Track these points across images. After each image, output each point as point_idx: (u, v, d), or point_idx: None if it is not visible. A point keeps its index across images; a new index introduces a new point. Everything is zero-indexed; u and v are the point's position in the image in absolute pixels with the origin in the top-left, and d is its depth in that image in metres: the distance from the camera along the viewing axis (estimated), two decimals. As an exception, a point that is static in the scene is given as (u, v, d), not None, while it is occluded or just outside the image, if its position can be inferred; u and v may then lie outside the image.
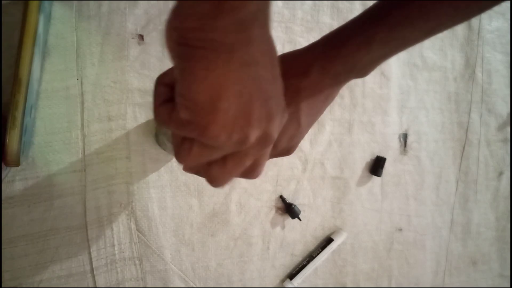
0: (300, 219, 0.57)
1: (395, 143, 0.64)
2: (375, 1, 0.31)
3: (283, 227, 0.57)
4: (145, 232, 0.50)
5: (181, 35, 0.18)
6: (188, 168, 0.26)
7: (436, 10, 0.28)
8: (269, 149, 0.24)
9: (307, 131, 0.34)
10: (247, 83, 0.19)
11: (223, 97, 0.19)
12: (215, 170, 0.24)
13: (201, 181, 0.52)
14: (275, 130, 0.22)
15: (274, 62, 0.21)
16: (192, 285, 0.53)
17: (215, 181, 0.25)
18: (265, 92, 0.20)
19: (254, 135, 0.21)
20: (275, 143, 0.31)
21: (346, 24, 0.31)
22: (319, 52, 0.31)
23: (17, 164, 0.37)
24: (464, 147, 0.69)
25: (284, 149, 0.33)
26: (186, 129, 0.21)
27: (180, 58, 0.19)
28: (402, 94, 0.64)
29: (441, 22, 0.29)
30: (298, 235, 0.58)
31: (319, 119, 0.58)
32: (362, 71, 0.32)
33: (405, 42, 0.30)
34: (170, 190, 0.51)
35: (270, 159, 0.54)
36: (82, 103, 0.46)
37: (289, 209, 0.56)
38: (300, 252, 0.59)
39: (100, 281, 0.48)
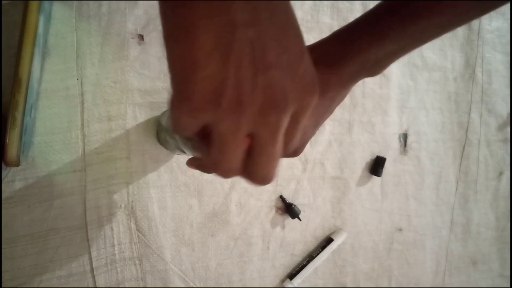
0: (300, 219, 0.57)
1: (395, 143, 0.64)
2: (378, 0, 0.30)
3: (283, 227, 0.57)
4: (145, 232, 0.50)
5: None
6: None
7: (454, 2, 0.26)
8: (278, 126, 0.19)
9: (314, 132, 0.33)
10: (236, 46, 0.16)
11: (202, 60, 0.16)
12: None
13: (201, 181, 0.52)
14: (281, 103, 0.18)
15: (288, 30, 0.18)
16: (192, 285, 0.53)
17: (224, 175, 0.22)
18: (266, 60, 0.17)
19: (250, 105, 0.17)
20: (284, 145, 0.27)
21: (357, 20, 0.30)
22: (326, 51, 0.30)
23: (17, 164, 0.37)
24: (464, 147, 0.69)
25: (291, 153, 0.31)
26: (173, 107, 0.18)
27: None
28: (402, 94, 0.64)
29: (458, 15, 0.27)
30: (298, 235, 0.58)
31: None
32: (372, 70, 0.31)
33: (419, 38, 0.29)
34: (170, 190, 0.51)
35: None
36: (82, 103, 0.46)
37: (289, 209, 0.56)
38: (300, 252, 0.59)
39: (100, 281, 0.48)
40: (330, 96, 0.31)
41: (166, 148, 0.48)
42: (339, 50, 0.29)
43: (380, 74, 0.63)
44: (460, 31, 0.67)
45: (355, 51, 0.29)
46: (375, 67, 0.30)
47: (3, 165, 0.38)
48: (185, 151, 0.37)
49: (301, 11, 0.56)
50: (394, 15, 0.28)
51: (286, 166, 0.57)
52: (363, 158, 0.62)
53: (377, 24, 0.28)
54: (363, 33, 0.29)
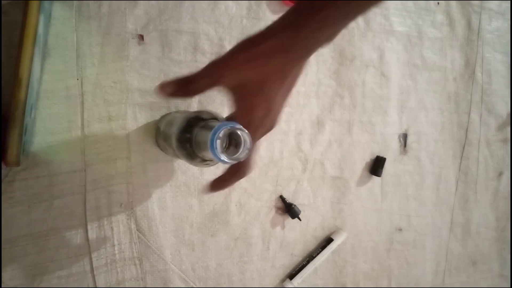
0: (300, 219, 0.57)
1: (395, 143, 0.64)
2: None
3: (283, 227, 0.57)
4: (145, 232, 0.50)
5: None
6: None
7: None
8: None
9: (282, 108, 0.36)
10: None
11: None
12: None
13: (201, 181, 0.52)
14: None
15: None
16: (192, 285, 0.53)
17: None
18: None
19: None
20: (257, 126, 0.34)
21: (300, 4, 0.31)
22: (278, 39, 0.31)
23: (17, 164, 0.37)
24: (464, 147, 0.69)
25: (266, 130, 0.36)
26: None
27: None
28: (402, 94, 0.64)
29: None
30: (298, 235, 0.58)
31: (319, 119, 0.58)
32: (324, 45, 0.33)
33: (358, 12, 0.31)
34: (170, 190, 0.51)
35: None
36: (82, 103, 0.46)
37: (289, 209, 0.56)
38: (300, 252, 0.59)
39: (100, 281, 0.48)
40: (290, 78, 0.34)
41: (165, 153, 0.49)
42: (291, 38, 0.31)
43: (380, 75, 0.63)
44: (460, 31, 0.67)
45: (305, 37, 0.31)
46: (327, 42, 0.33)
47: (3, 165, 0.38)
48: (181, 158, 0.38)
49: (301, 11, 0.56)
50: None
51: (286, 166, 0.57)
52: (363, 158, 0.62)
53: (323, 7, 0.30)
54: (310, 19, 0.30)
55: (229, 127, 0.31)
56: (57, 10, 0.45)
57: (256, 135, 0.35)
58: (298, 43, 0.31)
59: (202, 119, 0.36)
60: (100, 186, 0.47)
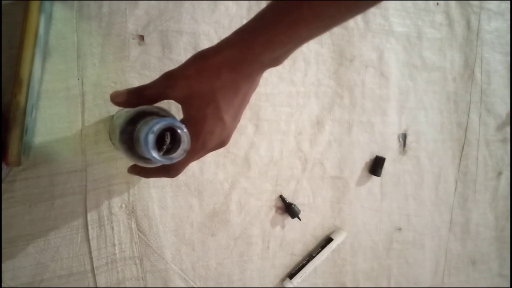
0: (299, 219, 0.57)
1: (394, 143, 0.64)
2: (270, 1, 0.32)
3: (283, 227, 0.58)
4: (146, 231, 0.50)
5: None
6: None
7: (326, 10, 0.29)
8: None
9: (235, 124, 0.36)
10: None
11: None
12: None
13: (201, 180, 0.52)
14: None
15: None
16: (192, 284, 0.53)
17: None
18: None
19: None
20: (206, 139, 0.34)
21: (248, 25, 0.32)
22: (227, 54, 0.32)
23: (18, 164, 0.38)
24: (463, 147, 0.69)
25: (217, 145, 0.36)
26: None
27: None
28: (401, 95, 0.64)
29: (333, 19, 0.30)
30: (298, 235, 0.59)
31: (319, 119, 0.58)
32: (273, 64, 0.34)
33: (304, 39, 0.32)
34: (170, 190, 0.51)
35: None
36: (83, 103, 0.46)
37: (289, 209, 0.56)
38: (299, 251, 0.59)
39: (100, 281, 0.48)
40: (241, 93, 0.34)
41: (114, 146, 0.47)
42: (237, 55, 0.32)
43: (379, 75, 0.63)
44: (459, 32, 0.68)
45: (251, 55, 0.32)
46: (276, 61, 0.33)
47: (4, 165, 0.38)
48: (122, 152, 0.36)
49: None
50: (276, 25, 0.30)
51: (286, 166, 0.57)
52: (363, 158, 0.62)
53: (263, 33, 0.31)
54: (254, 40, 0.31)
55: (167, 123, 0.29)
56: (58, 10, 0.45)
57: (204, 148, 0.35)
58: (246, 60, 0.32)
59: (151, 114, 0.34)
60: (100, 186, 0.48)
